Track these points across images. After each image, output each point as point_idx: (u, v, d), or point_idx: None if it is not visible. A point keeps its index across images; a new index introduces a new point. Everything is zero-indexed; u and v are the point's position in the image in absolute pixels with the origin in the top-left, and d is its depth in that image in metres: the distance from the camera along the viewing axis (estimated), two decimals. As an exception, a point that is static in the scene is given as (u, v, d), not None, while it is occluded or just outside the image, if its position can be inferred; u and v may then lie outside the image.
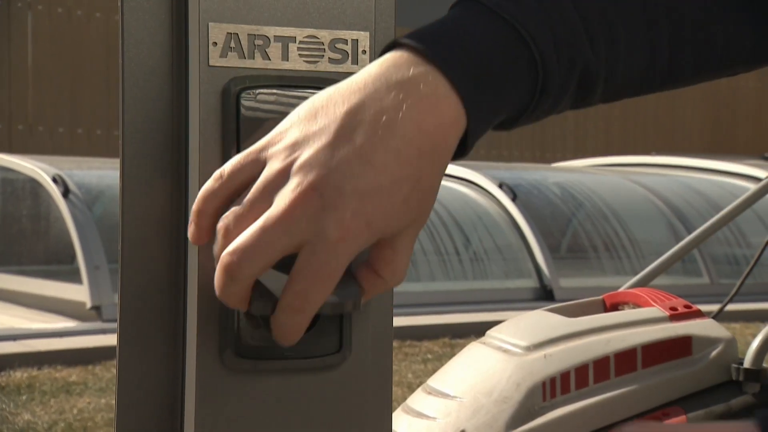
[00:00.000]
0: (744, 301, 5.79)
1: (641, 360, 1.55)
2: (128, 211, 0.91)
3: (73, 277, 4.64)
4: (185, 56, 0.85)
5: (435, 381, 1.64)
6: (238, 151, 0.84)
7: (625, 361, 1.55)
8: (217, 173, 0.66)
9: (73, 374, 3.51)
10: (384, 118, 0.54)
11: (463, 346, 4.87)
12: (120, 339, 0.92)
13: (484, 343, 1.64)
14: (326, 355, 0.87)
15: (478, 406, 1.55)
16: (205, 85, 0.86)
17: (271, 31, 0.82)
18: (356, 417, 0.89)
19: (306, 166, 0.57)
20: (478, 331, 4.92)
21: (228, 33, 0.84)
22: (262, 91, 0.86)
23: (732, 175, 7.05)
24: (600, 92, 0.60)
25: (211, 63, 0.85)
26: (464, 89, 0.54)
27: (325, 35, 0.81)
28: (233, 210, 0.61)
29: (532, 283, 5.65)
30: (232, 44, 0.84)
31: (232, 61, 0.83)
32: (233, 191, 0.63)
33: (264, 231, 0.60)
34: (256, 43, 0.84)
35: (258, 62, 0.84)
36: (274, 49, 0.83)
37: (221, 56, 0.85)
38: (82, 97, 8.12)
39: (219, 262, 0.63)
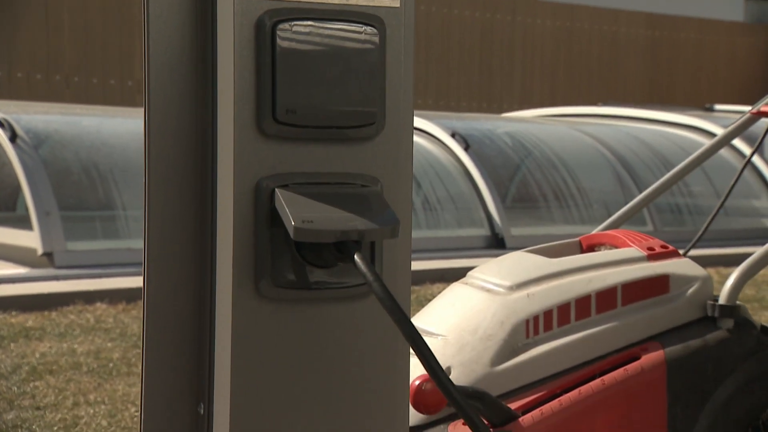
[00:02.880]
0: (702, 246, 5.97)
1: (621, 298, 1.61)
2: (154, 142, 0.91)
3: (23, 223, 4.55)
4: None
5: (419, 320, 1.68)
6: (274, 86, 0.84)
7: (605, 299, 1.60)
8: None
9: (30, 320, 3.46)
10: None
11: (418, 293, 4.93)
12: (146, 278, 0.93)
13: (467, 284, 1.68)
14: (357, 285, 0.89)
15: (463, 343, 1.59)
16: (239, 17, 0.86)
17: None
18: (382, 344, 0.92)
19: None
20: (432, 278, 5.00)
21: None
22: (297, 23, 0.86)
23: (676, 126, 7.21)
24: None
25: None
26: None
27: None
28: None
29: (483, 231, 5.73)
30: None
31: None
32: None
33: None
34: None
35: (290, -5, 0.84)
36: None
37: None
38: (22, 39, 7.85)
39: None
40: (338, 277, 0.88)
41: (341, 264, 0.87)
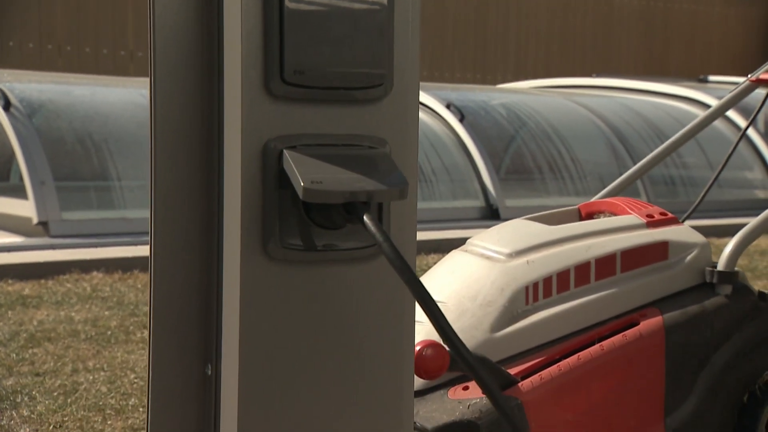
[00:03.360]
0: (695, 217, 5.99)
1: (620, 264, 1.62)
2: (161, 104, 0.91)
3: (18, 192, 4.53)
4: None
5: None
6: (282, 46, 0.83)
7: (604, 265, 1.61)
8: None
9: (26, 288, 3.47)
10: None
11: (414, 263, 4.93)
12: (153, 240, 0.93)
13: (467, 251, 1.68)
14: (365, 247, 0.90)
15: (463, 309, 1.59)
16: (246, -25, 0.85)
17: None
18: (389, 306, 0.92)
19: None
20: (427, 248, 5.02)
21: None
22: (305, -18, 0.86)
23: (670, 97, 7.21)
24: None
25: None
26: None
27: None
28: None
29: (478, 202, 5.74)
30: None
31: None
32: None
33: None
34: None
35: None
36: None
37: None
38: (15, 8, 7.77)
39: None
40: (346, 239, 0.88)
41: (349, 225, 0.88)
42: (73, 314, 3.08)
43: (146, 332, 2.89)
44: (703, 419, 1.56)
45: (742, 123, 6.95)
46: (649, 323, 1.57)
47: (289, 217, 0.87)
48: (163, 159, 0.92)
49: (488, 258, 1.63)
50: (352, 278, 0.90)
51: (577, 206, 1.84)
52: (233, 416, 0.89)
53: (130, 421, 2.09)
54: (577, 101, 6.77)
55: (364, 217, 0.81)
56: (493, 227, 1.74)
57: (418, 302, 0.78)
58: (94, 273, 3.77)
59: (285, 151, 0.85)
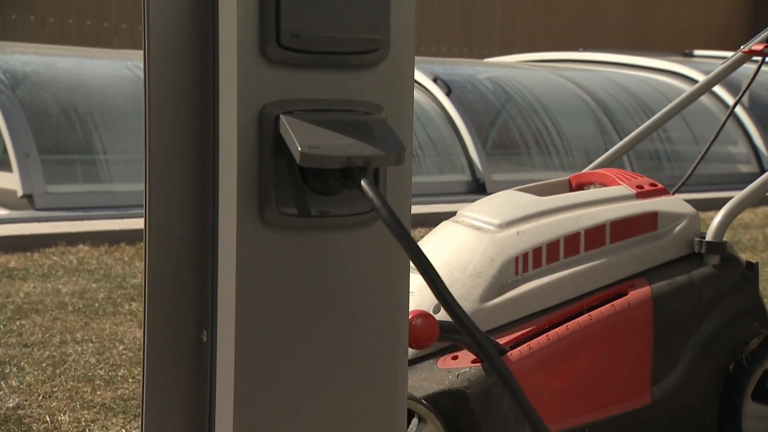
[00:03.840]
0: (681, 191, 6.03)
1: (609, 235, 1.62)
2: (155, 69, 0.90)
3: (2, 165, 4.50)
4: None
5: None
6: (278, 10, 0.83)
7: (594, 236, 1.61)
8: None
9: (12, 260, 3.45)
10: None
11: (409, 228, 4.95)
12: (148, 205, 0.92)
13: (457, 222, 1.69)
14: (361, 213, 0.90)
15: (453, 280, 1.60)
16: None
17: None
18: (385, 272, 0.93)
19: None
20: (414, 222, 5.04)
21: None
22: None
23: (655, 71, 7.22)
24: None
25: None
26: None
27: None
28: None
29: (465, 177, 5.74)
30: None
31: None
32: None
33: None
34: None
35: None
36: None
37: None
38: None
39: None
40: (342, 205, 0.88)
41: (346, 192, 0.87)
42: (60, 286, 3.07)
43: (134, 305, 2.88)
44: (690, 388, 1.58)
45: (727, 98, 6.97)
46: (638, 293, 1.58)
47: (286, 182, 0.87)
48: (158, 125, 0.92)
49: (478, 229, 1.64)
50: (348, 244, 0.90)
51: (567, 177, 1.85)
52: (230, 382, 0.89)
53: (119, 392, 2.10)
54: (564, 75, 6.77)
55: (362, 182, 0.81)
56: (484, 198, 1.74)
57: (416, 267, 0.79)
58: (80, 246, 3.76)
59: (281, 116, 0.85)
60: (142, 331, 0.95)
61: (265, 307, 0.89)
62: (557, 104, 6.39)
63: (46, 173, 4.38)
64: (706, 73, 7.13)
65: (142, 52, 0.91)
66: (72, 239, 3.79)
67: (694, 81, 7.03)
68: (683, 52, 8.84)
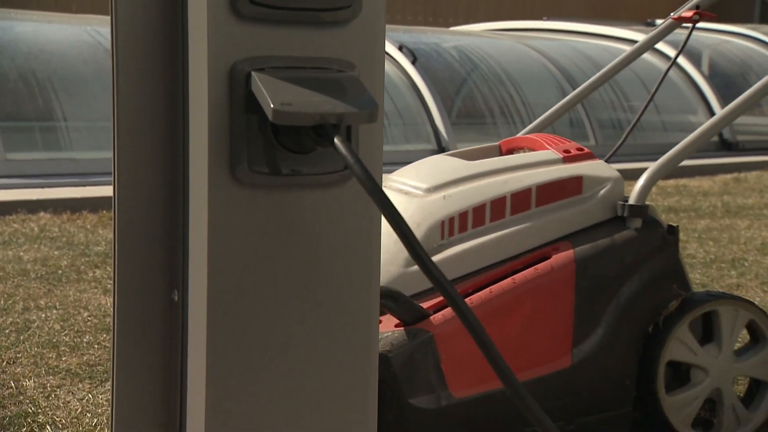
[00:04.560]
0: (627, 161, 6.10)
1: (535, 199, 1.61)
2: (122, 27, 0.89)
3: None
4: None
5: None
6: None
7: (520, 200, 1.60)
8: None
9: (-28, 230, 3.40)
10: None
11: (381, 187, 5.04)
12: (117, 163, 0.91)
13: (386, 187, 1.68)
14: (334, 172, 0.89)
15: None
16: None
17: None
18: (356, 230, 0.93)
19: None
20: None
21: None
22: None
23: (619, 40, 7.26)
24: None
25: None
26: None
27: None
28: None
29: (430, 145, 5.75)
30: None
31: None
32: None
33: None
34: None
35: None
36: None
37: None
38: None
39: None
40: (315, 163, 0.88)
41: (318, 150, 0.87)
42: (21, 254, 3.03)
43: (98, 272, 2.85)
44: (610, 350, 1.59)
45: (688, 68, 7.04)
46: (560, 256, 1.58)
47: (258, 141, 0.86)
48: (126, 85, 0.91)
49: (406, 193, 1.63)
50: (320, 203, 0.90)
51: (498, 142, 1.84)
52: (202, 341, 0.89)
53: (85, 357, 2.08)
54: (528, 44, 6.78)
55: (335, 140, 0.81)
56: (413, 163, 1.73)
57: (390, 224, 0.79)
58: (42, 214, 3.70)
59: (253, 73, 0.84)
60: (112, 291, 0.95)
61: (237, 265, 0.89)
62: (522, 73, 6.41)
63: (5, 140, 4.30)
64: (668, 42, 7.19)
65: (101, 17, 0.89)
66: (33, 207, 3.73)
67: (658, 51, 7.08)
68: (646, 21, 8.90)
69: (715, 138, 7.09)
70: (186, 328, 0.92)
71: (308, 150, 0.87)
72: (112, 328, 0.95)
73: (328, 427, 0.92)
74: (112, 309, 0.94)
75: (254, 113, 0.86)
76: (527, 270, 1.56)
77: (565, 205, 1.63)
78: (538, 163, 1.65)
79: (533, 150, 1.74)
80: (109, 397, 1.87)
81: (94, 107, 4.61)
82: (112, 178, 0.93)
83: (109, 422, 0.95)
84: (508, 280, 1.55)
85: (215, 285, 0.88)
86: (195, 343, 0.91)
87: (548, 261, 1.57)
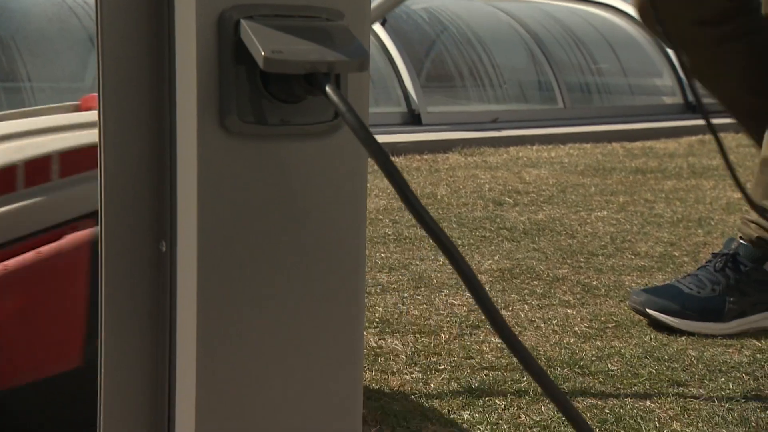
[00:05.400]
0: (594, 123, 6.15)
1: (58, 169, 1.36)
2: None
3: None
4: None
5: None
6: None
7: (37, 170, 1.34)
8: None
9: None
10: None
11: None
12: (102, 113, 0.91)
13: None
14: (324, 122, 0.90)
15: None
16: None
17: None
18: (345, 180, 0.94)
19: None
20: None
21: None
22: None
23: (588, 3, 7.28)
24: None
25: None
26: None
27: None
28: None
29: (400, 108, 5.74)
30: None
31: None
32: None
33: None
34: None
35: None
36: None
37: None
38: None
39: None
40: (303, 113, 0.88)
41: (307, 100, 0.87)
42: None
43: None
44: None
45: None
46: (74, 238, 1.33)
47: (247, 90, 0.86)
48: (110, 34, 0.90)
49: None
50: (308, 153, 0.91)
51: (81, 98, 1.60)
52: (192, 290, 0.90)
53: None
54: (498, 6, 6.77)
55: (327, 88, 0.81)
56: None
57: (384, 173, 0.80)
58: (9, 175, 3.65)
59: (242, 21, 0.84)
60: (99, 242, 0.95)
61: (226, 215, 0.89)
62: (491, 36, 6.41)
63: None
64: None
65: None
66: (-1, 168, 3.68)
67: (626, 14, 7.11)
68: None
69: (680, 100, 7.16)
70: (174, 278, 0.93)
71: (298, 99, 0.87)
72: (99, 278, 0.95)
73: (319, 365, 0.94)
74: (99, 259, 0.94)
75: (243, 62, 0.86)
76: (27, 254, 1.30)
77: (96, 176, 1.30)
78: (73, 126, 1.41)
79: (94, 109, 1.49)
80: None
81: (60, 66, 4.54)
82: (97, 128, 0.93)
83: (98, 368, 0.96)
84: (0, 265, 1.29)
85: (205, 234, 0.89)
86: (184, 292, 0.91)
87: (57, 243, 1.32)
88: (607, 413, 1.64)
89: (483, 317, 2.14)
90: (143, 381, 0.96)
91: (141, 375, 0.96)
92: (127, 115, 0.91)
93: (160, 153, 0.92)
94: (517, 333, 2.03)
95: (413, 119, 5.71)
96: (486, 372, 1.84)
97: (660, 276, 2.61)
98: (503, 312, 2.21)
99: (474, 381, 1.79)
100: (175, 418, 0.92)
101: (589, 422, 1.61)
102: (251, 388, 0.90)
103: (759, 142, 2.15)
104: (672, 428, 1.59)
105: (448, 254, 0.79)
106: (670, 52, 7.29)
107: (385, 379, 1.80)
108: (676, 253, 2.88)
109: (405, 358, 1.91)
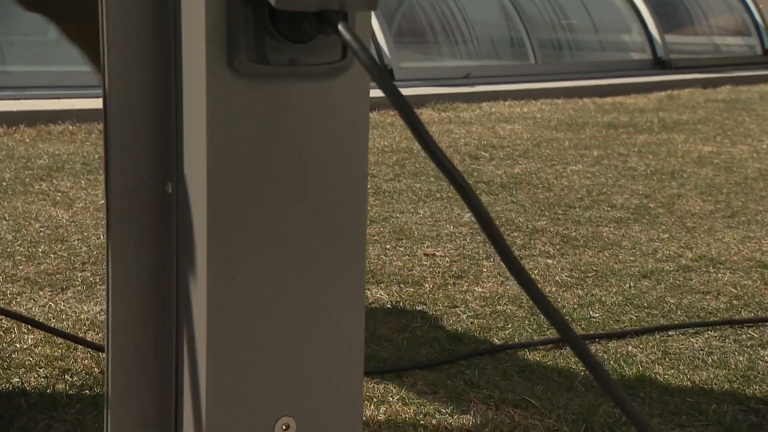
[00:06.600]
0: (566, 79, 6.17)
1: None
2: None
3: None
4: None
5: None
6: None
7: None
8: None
9: None
10: None
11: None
12: (105, 49, 0.90)
13: None
14: (332, 63, 0.90)
15: None
16: None
17: None
18: (353, 121, 0.94)
19: None
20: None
21: None
22: None
23: (560, -39, 7.24)
24: None
25: None
26: None
27: None
28: None
29: (371, 61, 5.70)
30: None
31: None
32: None
33: None
34: None
35: None
36: None
37: None
38: None
39: None
40: (311, 53, 0.88)
41: (316, 40, 0.87)
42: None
43: (44, 185, 2.79)
44: None
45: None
46: None
47: (256, 29, 0.86)
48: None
49: None
50: (316, 93, 0.91)
51: None
52: (202, 229, 0.90)
53: (42, 267, 2.06)
54: (470, -39, 6.72)
55: (339, 26, 0.81)
56: None
57: (397, 110, 0.80)
58: (-22, 127, 3.59)
59: (253, -42, 0.83)
60: (104, 185, 0.94)
61: (235, 156, 0.89)
62: (463, -10, 6.37)
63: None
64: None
65: None
66: (-33, 121, 3.61)
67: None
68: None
69: (649, 56, 7.20)
70: (181, 219, 0.93)
71: (307, 39, 0.86)
72: (105, 221, 0.95)
73: (323, 298, 0.95)
74: (104, 200, 0.94)
75: (252, 1, 0.85)
76: None
77: None
78: None
79: None
80: (72, 304, 1.85)
81: (27, 19, 4.44)
82: (102, 70, 0.92)
83: (105, 317, 0.96)
84: None
85: (215, 176, 0.88)
86: (193, 234, 0.91)
87: None
88: (590, 358, 1.68)
89: (466, 268, 2.17)
90: (148, 335, 0.96)
91: (146, 320, 0.96)
92: (131, 54, 0.90)
93: (166, 94, 0.91)
94: (499, 282, 2.06)
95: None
96: (471, 320, 1.87)
97: (636, 227, 2.66)
98: (484, 262, 2.24)
99: (459, 328, 1.82)
100: (183, 363, 0.93)
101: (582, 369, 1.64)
102: (260, 332, 0.91)
103: None
104: (654, 371, 1.63)
105: (463, 195, 0.80)
106: (640, 7, 7.32)
107: (371, 326, 1.82)
108: (652, 205, 2.93)
109: (390, 307, 1.93)
